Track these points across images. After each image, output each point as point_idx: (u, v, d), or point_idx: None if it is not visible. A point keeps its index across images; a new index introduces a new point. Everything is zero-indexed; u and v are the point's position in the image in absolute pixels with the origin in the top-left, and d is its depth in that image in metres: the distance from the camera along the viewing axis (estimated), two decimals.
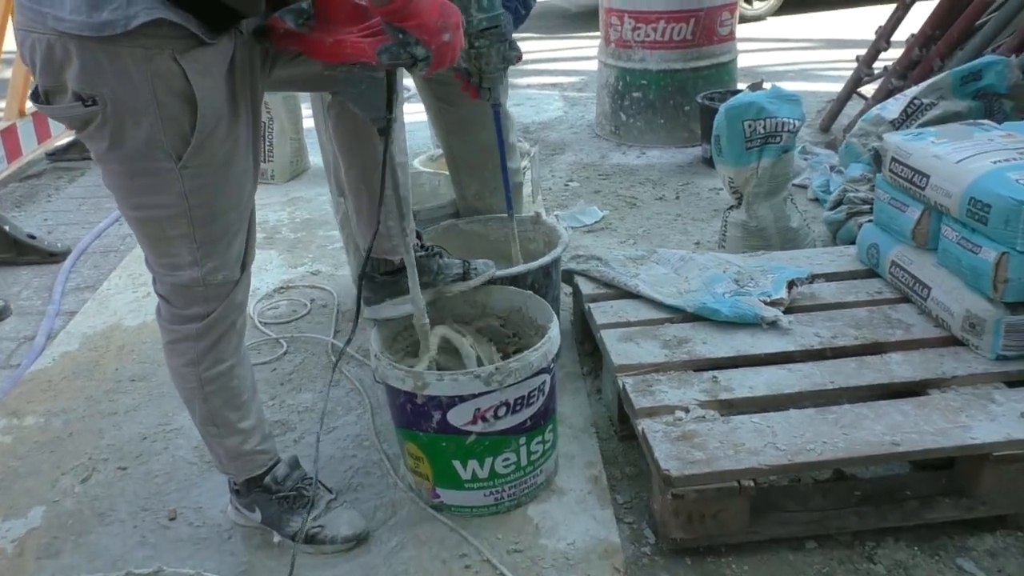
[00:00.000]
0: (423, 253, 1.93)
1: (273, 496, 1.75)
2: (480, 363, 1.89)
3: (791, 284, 2.26)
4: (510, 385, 1.69)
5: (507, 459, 1.78)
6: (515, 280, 2.15)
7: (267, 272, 3.14)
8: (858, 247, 2.45)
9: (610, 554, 1.70)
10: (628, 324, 2.19)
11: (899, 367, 1.93)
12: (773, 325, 2.11)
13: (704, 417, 1.80)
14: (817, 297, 2.27)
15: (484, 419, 1.72)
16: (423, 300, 1.82)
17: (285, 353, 2.58)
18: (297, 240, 3.43)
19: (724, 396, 1.86)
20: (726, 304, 2.16)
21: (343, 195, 2.18)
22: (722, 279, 2.33)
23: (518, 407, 1.75)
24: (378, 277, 1.91)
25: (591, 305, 2.30)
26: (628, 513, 1.84)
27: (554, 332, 1.80)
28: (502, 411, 1.73)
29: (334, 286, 2.98)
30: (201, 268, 1.53)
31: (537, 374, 1.73)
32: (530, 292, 2.00)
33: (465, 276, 1.96)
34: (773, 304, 2.18)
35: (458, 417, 1.72)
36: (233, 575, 1.71)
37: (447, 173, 2.64)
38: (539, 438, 1.82)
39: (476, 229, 2.52)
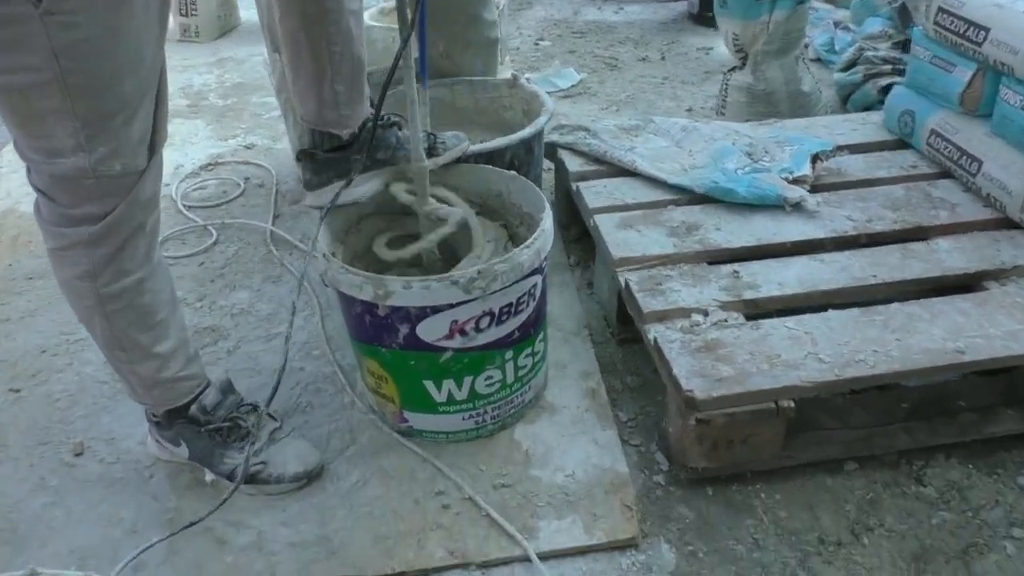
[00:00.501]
0: (379, 123, 1.54)
1: (202, 428, 1.41)
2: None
3: (815, 158, 1.92)
4: (495, 292, 1.35)
5: (490, 377, 1.46)
6: (491, 157, 1.77)
7: (192, 146, 2.69)
8: (886, 114, 2.11)
9: (617, 487, 1.41)
10: (626, 207, 1.84)
11: (949, 256, 1.63)
12: (797, 207, 1.78)
13: (727, 321, 1.49)
14: (844, 173, 1.94)
15: (463, 332, 1.38)
16: (426, 159, 1.48)
17: (215, 243, 2.18)
18: (227, 108, 2.96)
19: (749, 295, 1.54)
20: (742, 183, 1.81)
21: (278, 51, 1.75)
22: (732, 152, 1.97)
23: (504, 317, 1.41)
24: (320, 154, 1.51)
25: (580, 185, 1.93)
26: (634, 434, 1.55)
27: (547, 224, 1.44)
28: (485, 322, 1.39)
29: (271, 162, 2.56)
30: (89, 155, 1.11)
31: (528, 276, 1.39)
32: (513, 173, 1.63)
33: (431, 151, 1.57)
34: (796, 182, 1.85)
35: (430, 331, 1.38)
36: (156, 524, 1.39)
37: None
38: (528, 350, 1.50)
39: (441, 95, 2.10)
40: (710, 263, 1.67)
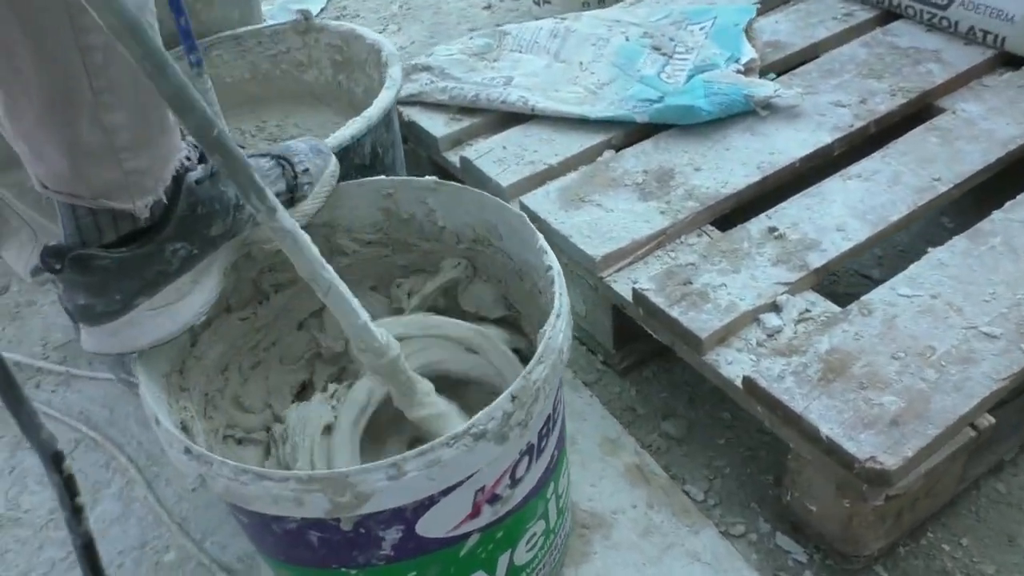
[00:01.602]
0: (200, 171, 0.79)
1: None
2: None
3: (746, 32, 1.43)
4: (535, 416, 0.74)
5: (532, 536, 0.86)
6: (345, 151, 1.08)
7: None
8: None
9: None
10: (552, 172, 1.25)
11: (994, 124, 1.23)
12: (769, 107, 1.29)
13: (812, 313, 1.00)
14: (781, 45, 1.47)
15: (494, 499, 0.77)
16: (326, 271, 0.75)
17: None
18: None
19: (815, 260, 1.05)
20: (695, 93, 1.28)
21: None
22: (638, 52, 1.43)
23: (544, 443, 0.80)
24: (100, 255, 0.73)
25: (462, 155, 1.30)
26: (724, 515, 1.03)
27: (555, 264, 0.83)
28: (523, 466, 0.78)
29: None
30: None
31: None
32: (498, 202, 0.94)
33: (293, 193, 0.88)
34: (748, 73, 1.36)
35: (439, 523, 0.74)
36: None
37: None
38: (564, 466, 0.91)
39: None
40: (720, 223, 1.15)
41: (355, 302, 0.76)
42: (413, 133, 1.40)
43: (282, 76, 1.38)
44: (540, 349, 0.73)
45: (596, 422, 1.12)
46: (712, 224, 1.15)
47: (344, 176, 1.01)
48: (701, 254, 1.08)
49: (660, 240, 1.11)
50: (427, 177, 0.95)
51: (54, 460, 0.61)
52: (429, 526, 0.74)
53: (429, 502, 0.71)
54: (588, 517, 1.01)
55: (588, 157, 1.27)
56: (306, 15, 1.33)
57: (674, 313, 1.00)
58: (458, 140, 1.35)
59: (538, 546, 0.88)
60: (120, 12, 0.54)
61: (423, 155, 1.42)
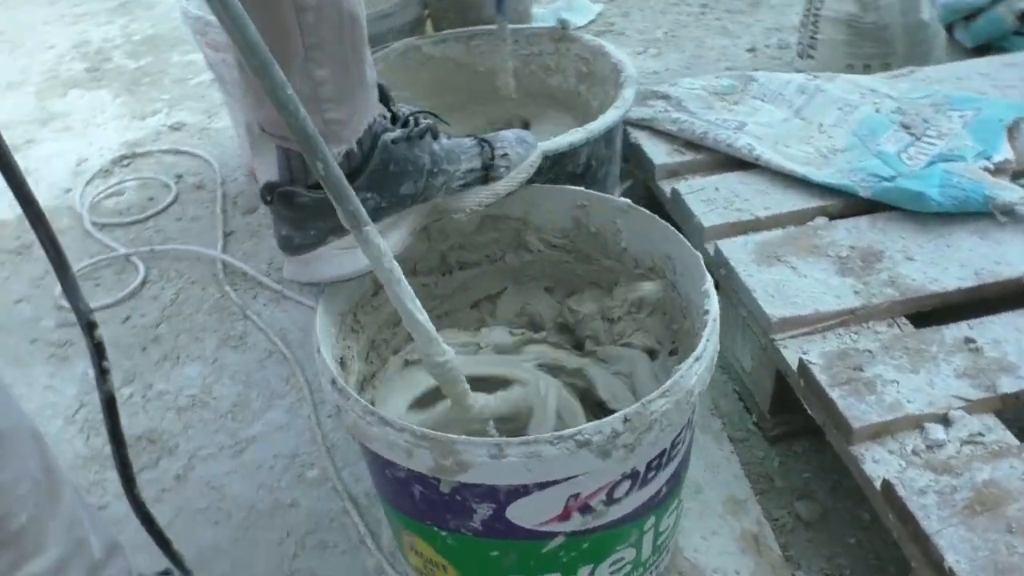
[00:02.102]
0: (398, 133, 0.90)
1: None
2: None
3: (1009, 130, 1.33)
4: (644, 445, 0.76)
5: (619, 560, 0.88)
6: (559, 160, 1.14)
7: (98, 129, 1.99)
8: None
9: None
10: (758, 224, 1.24)
11: None
12: (1012, 214, 1.20)
13: (985, 438, 0.93)
14: None
15: (586, 510, 0.80)
16: (420, 317, 0.78)
17: (143, 283, 1.53)
18: (141, 72, 2.25)
19: (1008, 384, 0.97)
20: (931, 180, 1.22)
21: None
22: (883, 125, 1.37)
23: (652, 473, 0.82)
24: (303, 193, 0.85)
25: (675, 186, 1.32)
26: None
27: (713, 307, 0.84)
28: (623, 489, 0.80)
29: (210, 149, 1.88)
30: None
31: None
32: (626, 202, 0.99)
33: (487, 171, 0.96)
34: (998, 173, 1.27)
35: (530, 514, 0.78)
36: None
37: None
38: (674, 506, 0.92)
39: (454, 54, 1.45)
40: (916, 319, 1.09)
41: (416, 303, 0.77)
42: (635, 155, 1.44)
43: (529, 76, 1.47)
44: (667, 384, 0.75)
45: (728, 479, 1.10)
46: (907, 318, 1.09)
47: (554, 180, 1.08)
48: (883, 344, 1.03)
49: (845, 319, 1.08)
50: (621, 198, 0.98)
51: (88, 327, 0.74)
52: (519, 514, 0.78)
53: (523, 491, 0.76)
54: (688, 567, 1.01)
55: (798, 219, 1.25)
56: (564, 24, 1.40)
57: (833, 395, 0.97)
58: (675, 172, 1.37)
59: (623, 572, 0.90)
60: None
61: (639, 177, 1.46)
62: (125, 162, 1.88)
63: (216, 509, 1.13)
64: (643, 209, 0.97)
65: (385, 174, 0.86)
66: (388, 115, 0.89)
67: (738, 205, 1.27)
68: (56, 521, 0.68)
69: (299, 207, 0.85)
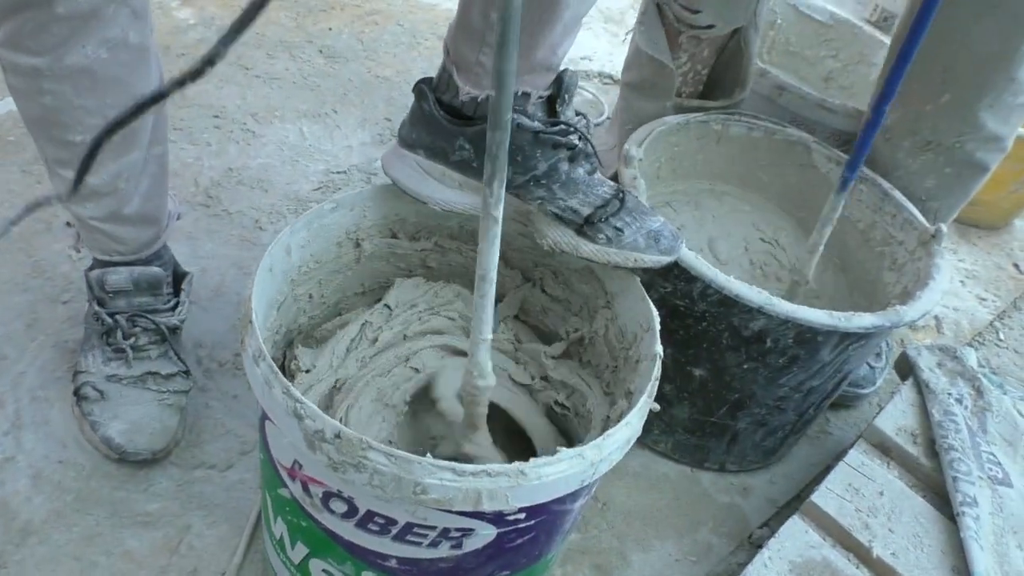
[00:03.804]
0: (534, 124, 0.83)
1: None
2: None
3: None
4: None
5: None
6: (807, 337, 1.00)
7: None
8: None
9: None
10: None
11: None
12: None
13: None
14: None
15: None
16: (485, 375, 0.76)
17: None
18: None
19: None
20: None
21: None
22: None
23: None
24: (427, 100, 0.86)
25: None
26: None
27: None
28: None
29: None
30: None
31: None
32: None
33: (583, 227, 0.86)
34: None
35: None
36: None
37: None
38: None
39: (739, 134, 1.30)
40: None
41: (491, 318, 0.72)
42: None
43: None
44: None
45: None
46: None
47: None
48: None
49: None
50: None
51: None
52: None
53: None
54: None
55: None
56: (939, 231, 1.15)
57: None
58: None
59: None
60: None
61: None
62: None
63: None
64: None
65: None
66: (543, 95, 0.85)
67: None
68: None
69: (418, 109, 0.87)
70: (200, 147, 1.51)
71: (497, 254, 0.68)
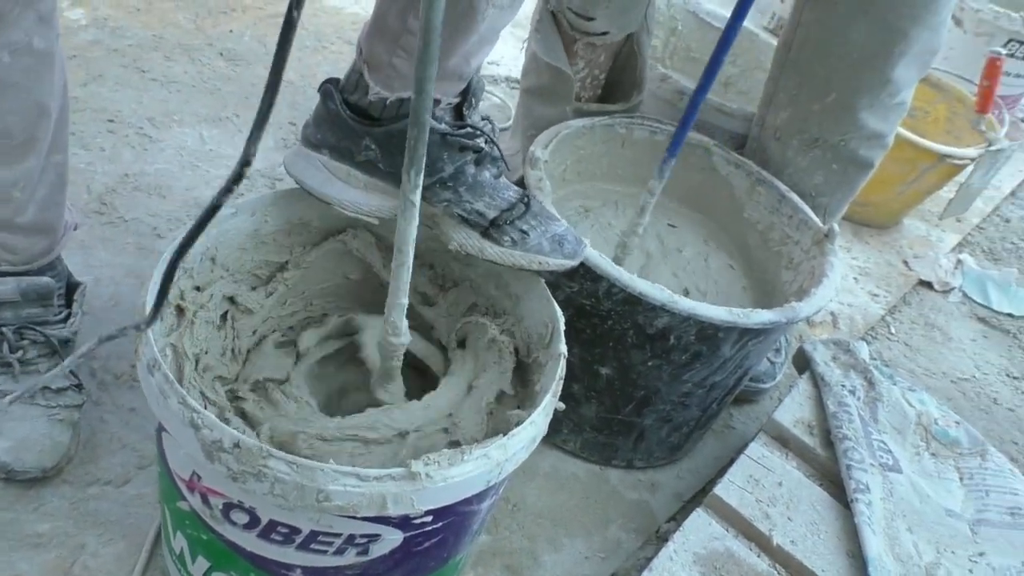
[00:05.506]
0: (440, 126, 0.81)
1: None
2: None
3: None
4: None
5: None
6: (708, 333, 1.02)
7: None
8: None
9: None
10: None
11: None
12: None
13: None
14: None
15: None
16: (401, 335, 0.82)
17: None
18: None
19: None
20: None
21: None
22: None
23: None
24: (334, 100, 0.85)
25: None
26: None
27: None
28: None
29: None
30: None
31: None
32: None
33: (489, 228, 0.86)
34: None
35: None
36: None
37: None
38: None
39: (643, 137, 1.32)
40: None
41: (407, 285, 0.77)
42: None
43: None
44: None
45: None
46: None
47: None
48: None
49: None
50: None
51: None
52: None
53: None
54: None
55: None
56: (832, 231, 1.18)
57: None
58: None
59: None
60: None
61: None
62: None
63: None
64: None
65: (399, 146, 0.76)
66: (452, 103, 0.86)
67: None
68: None
69: (322, 109, 0.86)
70: (93, 152, 1.45)
71: (415, 231, 0.72)
